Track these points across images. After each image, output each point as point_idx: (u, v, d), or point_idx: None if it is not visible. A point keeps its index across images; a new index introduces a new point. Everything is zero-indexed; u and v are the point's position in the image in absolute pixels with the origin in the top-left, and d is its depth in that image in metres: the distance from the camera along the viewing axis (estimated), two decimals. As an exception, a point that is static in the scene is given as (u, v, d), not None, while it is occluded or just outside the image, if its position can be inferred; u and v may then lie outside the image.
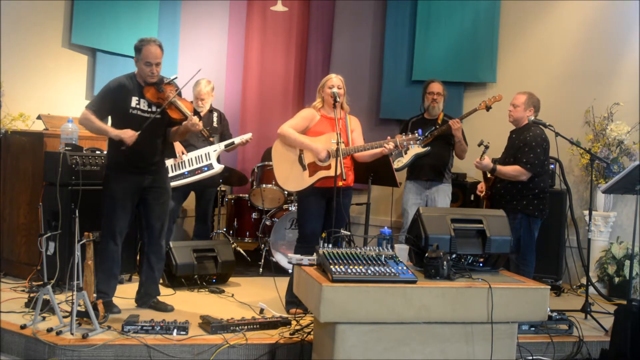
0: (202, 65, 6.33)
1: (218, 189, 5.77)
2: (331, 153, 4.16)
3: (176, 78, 4.09)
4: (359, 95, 6.60)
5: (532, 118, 4.51)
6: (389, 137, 4.10)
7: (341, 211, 4.07)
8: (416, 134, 4.06)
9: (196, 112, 5.37)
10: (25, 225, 4.69)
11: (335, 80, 4.24)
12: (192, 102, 5.38)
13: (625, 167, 4.89)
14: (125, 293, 4.30)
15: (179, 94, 4.02)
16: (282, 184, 4.34)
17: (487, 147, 4.46)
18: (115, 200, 3.95)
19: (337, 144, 3.93)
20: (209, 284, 4.89)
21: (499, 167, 4.44)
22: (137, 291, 4.21)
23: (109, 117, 4.10)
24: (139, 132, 3.82)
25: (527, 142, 4.41)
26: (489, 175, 4.65)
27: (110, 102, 3.93)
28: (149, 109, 3.96)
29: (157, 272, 4.19)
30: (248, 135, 5.33)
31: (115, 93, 3.93)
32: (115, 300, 4.08)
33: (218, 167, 5.23)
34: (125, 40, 5.63)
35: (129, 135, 3.80)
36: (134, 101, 3.93)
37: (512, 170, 4.40)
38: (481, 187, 4.72)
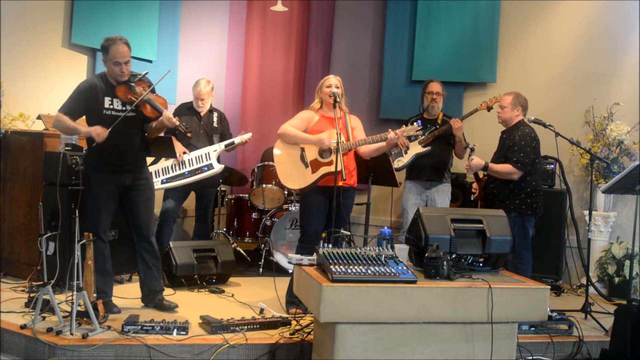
0: (201, 65, 6.41)
1: (218, 189, 5.78)
2: (332, 149, 4.17)
3: (147, 73, 4.03)
4: (359, 95, 6.60)
5: (532, 118, 4.55)
6: (390, 130, 4.11)
7: (341, 211, 4.07)
8: (415, 125, 4.07)
9: (196, 113, 5.42)
10: (25, 225, 4.69)
11: (332, 80, 4.27)
12: (195, 100, 5.39)
13: (625, 167, 4.88)
14: (125, 293, 4.30)
15: (152, 90, 3.99)
16: (285, 183, 4.34)
17: (472, 150, 4.53)
18: (98, 200, 3.95)
19: (337, 143, 3.93)
20: (209, 284, 4.89)
21: (491, 165, 4.49)
22: (141, 290, 4.21)
23: (85, 120, 4.06)
24: (109, 130, 3.78)
25: (517, 142, 4.45)
26: (481, 176, 4.67)
27: (83, 103, 3.90)
28: (123, 108, 3.93)
29: (156, 268, 4.18)
30: (248, 135, 5.33)
31: (87, 94, 3.90)
32: (115, 300, 4.08)
33: (218, 167, 5.23)
34: (125, 41, 5.63)
35: (99, 132, 3.75)
36: (107, 102, 3.91)
37: (503, 168, 4.45)
38: (475, 187, 4.76)
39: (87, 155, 4.07)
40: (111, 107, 3.92)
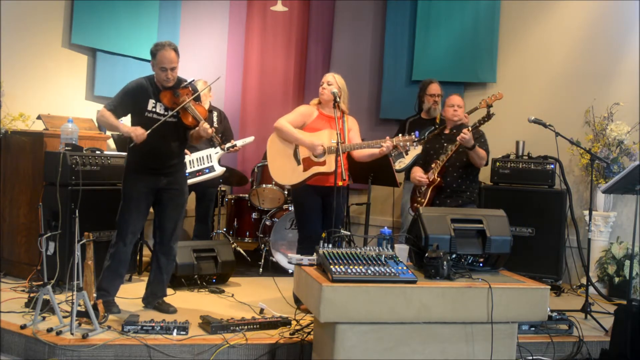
0: (201, 65, 6.41)
1: (218, 188, 5.78)
2: (327, 149, 4.16)
3: (193, 81, 4.07)
4: (359, 95, 6.60)
5: (532, 118, 4.59)
6: (387, 137, 4.10)
7: (340, 210, 4.07)
8: (413, 136, 4.07)
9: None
10: (25, 225, 4.69)
11: (327, 77, 4.27)
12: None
13: (625, 167, 4.88)
14: (126, 293, 4.29)
15: (196, 98, 4.01)
16: (275, 177, 4.34)
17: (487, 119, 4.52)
18: (130, 201, 3.97)
19: (338, 143, 3.93)
20: (209, 284, 4.89)
21: (476, 147, 4.50)
22: (145, 289, 4.21)
23: (130, 118, 4.09)
24: (148, 132, 3.81)
25: (481, 135, 4.65)
26: (442, 160, 4.58)
27: (128, 102, 3.94)
28: (165, 113, 3.96)
29: (166, 273, 4.19)
30: (250, 139, 5.37)
31: (134, 93, 3.94)
32: (116, 300, 4.07)
33: (219, 170, 5.23)
34: (125, 40, 5.63)
35: (138, 133, 3.79)
36: (150, 104, 3.94)
37: (482, 152, 4.54)
38: (423, 176, 4.61)
39: (128, 157, 4.09)
40: (154, 109, 3.94)
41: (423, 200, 4.58)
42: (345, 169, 4.29)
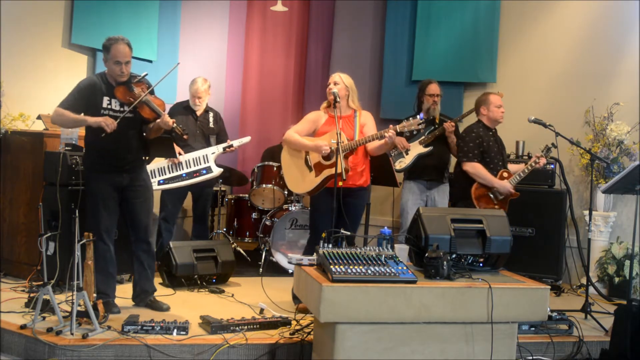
0: (201, 65, 6.41)
1: (218, 188, 5.77)
2: (334, 150, 4.16)
3: (147, 75, 4.01)
4: (359, 95, 6.57)
5: (532, 118, 4.60)
6: (390, 125, 4.07)
7: (342, 212, 4.06)
8: (418, 118, 4.00)
9: (192, 112, 5.41)
10: (25, 225, 4.69)
11: (333, 77, 4.26)
12: (192, 99, 5.38)
13: (625, 167, 4.88)
14: (126, 293, 4.30)
15: (151, 92, 3.99)
16: (292, 188, 4.38)
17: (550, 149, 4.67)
18: (96, 200, 3.95)
19: (337, 143, 3.92)
20: (209, 284, 4.89)
21: None
22: (133, 289, 4.21)
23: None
24: (117, 120, 3.77)
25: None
26: (520, 177, 4.69)
27: (82, 100, 3.88)
28: (121, 109, 3.92)
29: (149, 269, 4.18)
30: (247, 139, 5.36)
31: (87, 91, 3.89)
32: (115, 300, 4.07)
33: (217, 171, 5.21)
34: (125, 41, 5.63)
35: (109, 122, 3.74)
36: (105, 101, 3.90)
37: None
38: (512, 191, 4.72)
39: (86, 157, 4.08)
40: (109, 107, 3.91)
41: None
42: (363, 169, 4.27)
